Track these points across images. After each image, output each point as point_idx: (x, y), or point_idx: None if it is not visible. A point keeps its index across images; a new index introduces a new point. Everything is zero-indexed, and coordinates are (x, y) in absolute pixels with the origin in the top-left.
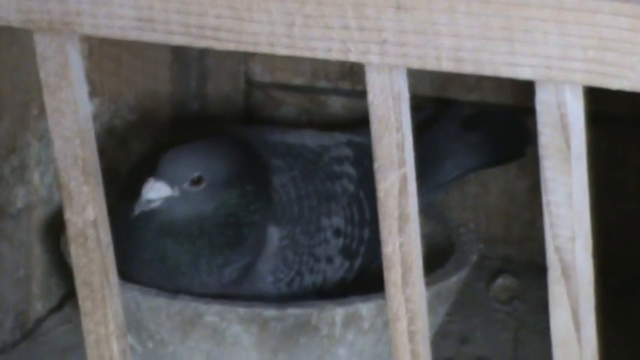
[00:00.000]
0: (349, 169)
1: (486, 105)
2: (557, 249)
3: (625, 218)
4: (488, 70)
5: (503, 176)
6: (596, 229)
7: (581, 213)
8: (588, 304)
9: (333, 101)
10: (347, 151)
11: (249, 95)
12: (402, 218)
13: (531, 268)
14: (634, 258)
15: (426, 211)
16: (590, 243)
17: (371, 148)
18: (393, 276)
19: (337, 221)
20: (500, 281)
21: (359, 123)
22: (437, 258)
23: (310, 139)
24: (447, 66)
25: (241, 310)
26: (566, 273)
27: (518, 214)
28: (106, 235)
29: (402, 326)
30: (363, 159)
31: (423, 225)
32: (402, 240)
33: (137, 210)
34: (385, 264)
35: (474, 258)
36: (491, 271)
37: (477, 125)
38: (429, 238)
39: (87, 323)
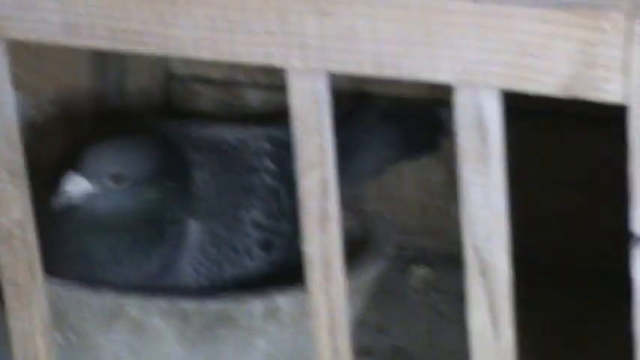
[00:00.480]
0: (268, 162)
1: (403, 99)
2: (475, 248)
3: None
4: (408, 74)
5: (419, 167)
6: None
7: (498, 213)
8: (506, 302)
9: (252, 94)
10: (266, 145)
11: (168, 89)
12: (323, 218)
13: (447, 259)
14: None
15: (343, 203)
16: (507, 242)
17: (290, 142)
18: (313, 273)
19: (257, 215)
20: (416, 271)
21: (277, 116)
22: (354, 250)
23: (229, 133)
24: (368, 70)
25: (162, 304)
26: (484, 271)
27: (434, 204)
28: (31, 234)
29: (322, 322)
30: (282, 152)
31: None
32: (322, 239)
33: (56, 204)
34: (306, 262)
35: (390, 249)
36: (407, 261)
37: (394, 119)
38: (346, 231)
39: (13, 321)
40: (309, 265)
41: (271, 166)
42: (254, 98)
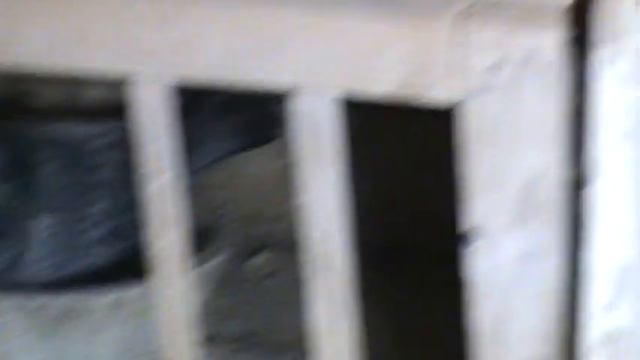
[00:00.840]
0: (113, 156)
1: (239, 92)
2: (315, 244)
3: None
4: (245, 82)
5: (257, 158)
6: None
7: (337, 211)
8: (347, 295)
9: (95, 90)
10: (110, 140)
11: (11, 87)
12: (167, 220)
13: (287, 245)
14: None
15: (187, 194)
16: (346, 238)
17: (132, 135)
18: (160, 272)
19: (103, 207)
20: (258, 258)
21: (120, 111)
22: (198, 240)
23: (74, 129)
24: (209, 78)
25: (11, 299)
26: (325, 267)
27: (273, 193)
28: None
29: (168, 318)
30: (125, 146)
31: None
32: (167, 239)
33: None
34: (153, 261)
35: (233, 238)
36: (249, 249)
37: (231, 112)
38: (190, 222)
39: None
40: (155, 263)
41: (116, 159)
42: (97, 94)
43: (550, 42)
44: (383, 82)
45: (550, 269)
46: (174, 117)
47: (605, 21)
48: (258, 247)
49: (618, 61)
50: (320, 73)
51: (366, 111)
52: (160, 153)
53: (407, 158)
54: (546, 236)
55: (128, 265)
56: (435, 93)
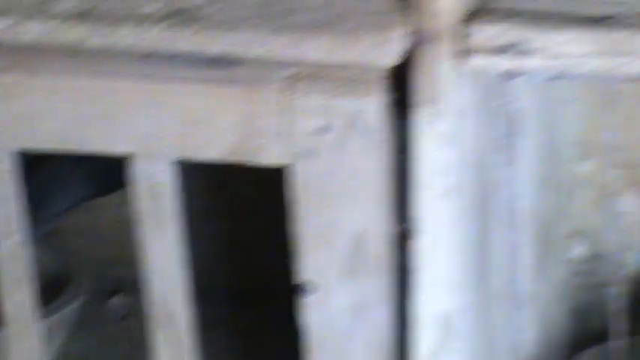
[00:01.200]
0: None
1: None
2: (156, 301)
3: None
4: (87, 148)
5: (113, 202)
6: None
7: (177, 270)
8: (188, 348)
9: None
10: None
11: None
12: (18, 281)
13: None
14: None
15: (42, 241)
16: (188, 294)
17: None
18: (11, 330)
19: None
20: (114, 300)
21: None
22: (54, 287)
23: None
24: (53, 146)
25: None
26: (167, 323)
27: (128, 236)
28: None
29: None
30: None
31: (40, 255)
32: (19, 297)
33: None
34: (5, 316)
35: (89, 283)
36: (106, 292)
37: (84, 159)
38: (46, 268)
39: None
40: (7, 322)
41: None
42: None
43: (372, 105)
44: (215, 147)
45: (380, 319)
46: (20, 181)
47: (424, 84)
48: (115, 290)
49: (437, 122)
50: (155, 139)
51: (206, 166)
52: (8, 216)
53: (249, 209)
54: (375, 288)
55: None
56: (265, 156)
